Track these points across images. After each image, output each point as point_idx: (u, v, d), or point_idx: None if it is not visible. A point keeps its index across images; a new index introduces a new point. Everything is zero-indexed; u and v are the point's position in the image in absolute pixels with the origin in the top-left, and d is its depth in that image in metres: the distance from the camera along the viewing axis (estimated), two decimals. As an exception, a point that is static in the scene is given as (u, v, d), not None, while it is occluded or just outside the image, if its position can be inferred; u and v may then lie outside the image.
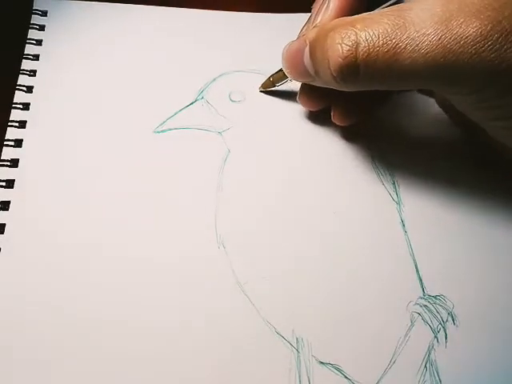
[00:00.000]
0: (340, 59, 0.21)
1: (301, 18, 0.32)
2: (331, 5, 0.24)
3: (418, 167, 0.28)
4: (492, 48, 0.19)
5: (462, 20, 0.19)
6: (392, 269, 0.25)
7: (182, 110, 0.29)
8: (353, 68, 0.21)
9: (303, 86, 0.27)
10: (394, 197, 0.27)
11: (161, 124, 0.28)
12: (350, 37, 0.21)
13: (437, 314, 0.24)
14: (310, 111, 0.29)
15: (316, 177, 0.27)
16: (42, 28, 0.30)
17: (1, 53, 0.29)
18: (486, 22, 0.19)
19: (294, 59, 0.25)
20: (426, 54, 0.19)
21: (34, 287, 0.23)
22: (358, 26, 0.21)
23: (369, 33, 0.20)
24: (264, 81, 0.29)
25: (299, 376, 0.22)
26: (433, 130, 0.29)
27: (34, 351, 0.22)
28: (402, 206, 0.27)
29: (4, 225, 0.24)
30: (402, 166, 0.28)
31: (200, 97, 0.29)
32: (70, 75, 0.29)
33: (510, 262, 0.26)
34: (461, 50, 0.19)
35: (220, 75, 0.30)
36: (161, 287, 0.24)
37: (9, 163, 0.26)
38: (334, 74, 0.21)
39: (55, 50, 0.29)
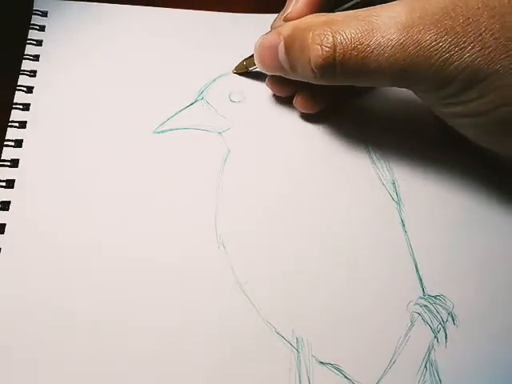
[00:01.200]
0: (320, 59, 0.23)
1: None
2: None
3: (418, 168, 0.28)
4: (445, 50, 0.21)
5: (421, 27, 0.21)
6: (392, 269, 0.25)
7: (182, 111, 0.29)
8: (331, 67, 0.23)
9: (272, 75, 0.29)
10: (394, 197, 0.27)
11: (161, 124, 0.28)
12: (328, 39, 0.23)
13: (437, 314, 0.24)
14: (308, 113, 0.29)
15: (316, 177, 0.27)
16: (42, 28, 0.30)
17: (1, 53, 0.29)
18: (441, 29, 0.21)
19: (267, 54, 0.26)
20: (390, 57, 0.22)
21: (34, 287, 0.23)
22: (334, 28, 0.23)
23: (343, 36, 0.22)
24: (238, 64, 0.30)
25: (299, 376, 0.22)
26: (433, 129, 0.29)
27: (34, 351, 0.22)
28: (402, 206, 0.27)
29: (4, 225, 0.24)
30: (402, 166, 0.28)
31: (200, 97, 0.29)
32: (70, 76, 0.29)
33: (510, 262, 0.26)
34: (418, 53, 0.21)
35: (220, 76, 0.30)
36: (161, 287, 0.24)
37: (9, 163, 0.26)
38: (315, 71, 0.24)
39: (55, 50, 0.29)
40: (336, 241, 0.26)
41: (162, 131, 0.28)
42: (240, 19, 0.32)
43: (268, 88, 0.29)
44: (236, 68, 0.30)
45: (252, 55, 0.28)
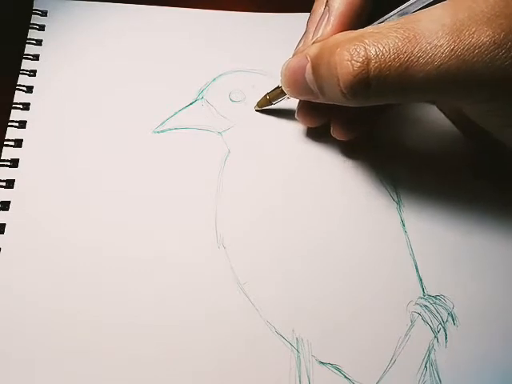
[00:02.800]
0: (351, 76, 0.20)
1: (300, 17, 0.32)
2: (332, 19, 0.23)
3: (417, 167, 0.28)
4: (507, 55, 0.18)
5: (473, 29, 0.19)
6: (392, 269, 0.25)
7: (182, 110, 0.29)
8: (364, 85, 0.20)
9: (301, 102, 0.27)
10: (394, 197, 0.27)
11: (161, 124, 0.28)
12: (359, 53, 0.20)
13: (437, 314, 0.24)
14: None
15: (315, 177, 0.27)
16: (42, 28, 0.30)
17: (1, 52, 0.29)
18: (498, 30, 0.18)
19: (294, 76, 0.24)
20: (440, 65, 0.19)
21: (34, 287, 0.23)
22: (367, 41, 0.20)
23: (379, 48, 0.20)
24: (260, 99, 0.28)
25: (299, 376, 0.22)
26: (431, 132, 0.29)
27: (33, 351, 0.22)
28: (401, 206, 0.27)
29: (4, 225, 0.24)
30: (401, 166, 0.28)
31: (200, 97, 0.29)
32: (69, 75, 0.29)
33: (510, 261, 0.26)
34: (475, 59, 0.19)
35: (220, 75, 0.30)
36: (161, 287, 0.24)
37: (9, 163, 0.26)
38: (345, 91, 0.21)
39: (55, 50, 0.29)
40: (336, 240, 0.26)
41: (162, 131, 0.28)
42: (240, 18, 0.32)
43: (270, 88, 0.28)
44: (258, 104, 0.28)
45: (275, 88, 0.27)
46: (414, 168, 0.28)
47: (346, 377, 0.23)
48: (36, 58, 0.29)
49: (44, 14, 0.31)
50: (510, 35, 0.18)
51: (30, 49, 0.29)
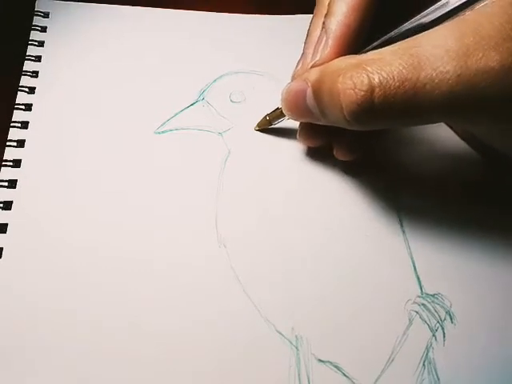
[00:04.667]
0: (355, 105, 0.20)
1: (301, 20, 0.32)
2: (330, 42, 0.23)
3: (417, 167, 0.28)
4: None
5: (480, 55, 0.18)
6: (390, 268, 0.25)
7: (183, 111, 0.29)
8: (369, 112, 0.20)
9: (302, 124, 0.27)
10: (394, 197, 0.27)
11: (162, 125, 0.28)
12: (363, 81, 0.19)
13: (435, 313, 0.24)
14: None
15: (316, 177, 0.27)
16: (43, 29, 0.30)
17: (3, 54, 0.29)
18: (505, 55, 0.18)
19: (295, 101, 0.24)
20: (447, 92, 0.18)
21: (36, 287, 0.23)
22: (369, 69, 0.20)
23: (383, 75, 0.19)
24: (260, 120, 0.28)
25: (298, 374, 0.23)
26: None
27: (34, 351, 0.22)
28: (400, 206, 0.27)
29: (6, 224, 0.24)
30: (401, 167, 0.28)
31: (201, 97, 0.29)
32: (71, 76, 0.29)
33: (508, 260, 0.26)
34: (483, 84, 0.18)
35: (221, 76, 0.30)
36: (161, 287, 0.24)
37: (11, 163, 0.26)
38: (349, 119, 0.20)
39: (57, 51, 0.30)
40: (335, 240, 0.26)
41: (163, 131, 0.28)
42: (240, 20, 0.33)
43: (270, 89, 0.28)
44: (258, 124, 0.28)
45: (275, 109, 0.27)
46: (413, 168, 0.28)
47: (344, 375, 0.23)
48: (38, 59, 0.29)
49: (46, 15, 0.31)
50: None
51: (32, 50, 0.29)
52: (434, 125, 0.28)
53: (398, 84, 0.19)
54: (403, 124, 0.22)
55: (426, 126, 0.28)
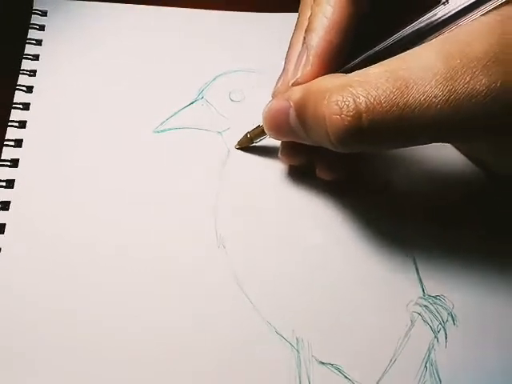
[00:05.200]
0: (342, 130, 0.19)
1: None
2: (311, 58, 0.22)
3: (416, 167, 0.28)
4: (504, 103, 0.18)
5: (468, 78, 0.18)
6: (392, 269, 0.25)
7: (182, 110, 0.29)
8: (356, 138, 0.19)
9: (284, 142, 0.26)
10: (394, 196, 0.27)
11: (161, 124, 0.28)
12: (349, 106, 0.19)
13: (437, 314, 0.24)
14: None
15: (315, 176, 0.27)
16: (42, 28, 0.30)
17: (1, 52, 0.29)
18: (493, 79, 0.17)
19: (276, 120, 0.23)
20: (436, 116, 0.18)
21: (34, 287, 0.23)
22: (355, 92, 0.19)
23: (369, 100, 0.19)
24: (241, 138, 0.27)
25: (299, 376, 0.22)
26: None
27: (33, 351, 0.22)
28: (400, 204, 0.27)
29: (4, 225, 0.24)
30: (401, 167, 0.28)
31: (200, 96, 0.29)
32: (70, 75, 0.29)
33: (510, 262, 0.26)
34: (472, 108, 0.18)
35: (220, 75, 0.30)
36: (161, 287, 0.24)
37: (9, 163, 0.26)
38: (335, 143, 0.20)
39: (55, 49, 0.29)
40: (336, 241, 0.26)
41: (162, 130, 0.28)
42: (241, 18, 0.32)
43: (270, 88, 0.28)
44: (239, 142, 0.27)
45: (257, 127, 0.26)
46: (413, 168, 0.28)
47: (346, 377, 0.23)
48: (36, 57, 0.29)
49: (44, 13, 0.31)
50: (506, 81, 0.17)
51: (30, 49, 0.29)
52: None
53: (386, 109, 0.18)
54: (391, 147, 0.22)
55: None
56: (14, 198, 0.25)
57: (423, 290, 0.25)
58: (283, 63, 0.25)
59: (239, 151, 0.28)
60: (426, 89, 0.18)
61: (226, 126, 0.28)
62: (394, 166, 0.28)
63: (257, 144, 0.27)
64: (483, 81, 0.17)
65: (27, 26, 0.30)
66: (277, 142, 0.27)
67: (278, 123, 0.23)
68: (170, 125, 0.28)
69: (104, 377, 0.22)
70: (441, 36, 0.19)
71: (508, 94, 0.17)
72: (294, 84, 0.23)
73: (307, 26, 0.23)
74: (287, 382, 0.22)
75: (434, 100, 0.18)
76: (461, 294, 0.25)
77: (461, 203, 0.27)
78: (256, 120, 0.28)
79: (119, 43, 0.30)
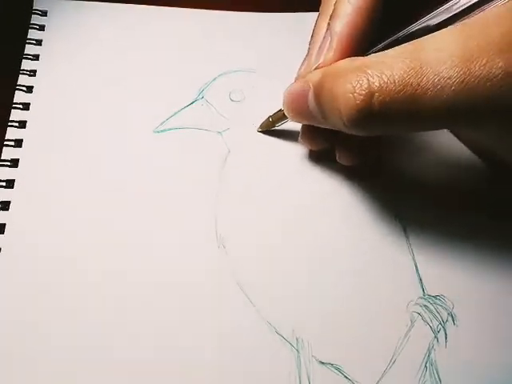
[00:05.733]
0: (353, 110, 0.19)
1: (301, 17, 0.32)
2: (334, 43, 0.22)
3: (417, 167, 0.28)
4: None
5: (484, 61, 0.17)
6: (392, 269, 0.25)
7: (182, 110, 0.29)
8: (368, 118, 0.19)
9: (305, 126, 0.26)
10: (395, 196, 0.27)
11: (161, 124, 0.28)
12: (362, 85, 0.19)
13: (437, 314, 0.24)
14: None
15: (316, 176, 0.27)
16: (41, 28, 0.30)
17: (1, 52, 0.29)
18: (510, 62, 0.17)
19: (296, 103, 0.24)
20: (450, 98, 0.18)
21: (34, 287, 0.23)
22: (370, 72, 0.19)
23: (383, 79, 0.18)
24: (263, 121, 0.28)
25: (299, 376, 0.22)
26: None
27: (34, 351, 0.22)
28: (401, 206, 0.27)
29: (4, 225, 0.24)
30: (401, 167, 0.28)
31: (200, 96, 0.29)
32: (69, 75, 0.29)
33: (510, 261, 0.26)
34: (486, 92, 0.17)
35: (220, 75, 0.30)
36: (160, 287, 0.24)
37: (9, 163, 0.26)
38: (347, 124, 0.20)
39: (55, 49, 0.29)
40: (336, 241, 0.26)
41: (162, 130, 0.28)
42: (241, 18, 0.32)
43: (270, 88, 0.28)
44: (261, 126, 0.28)
45: (278, 110, 0.27)
46: (413, 168, 0.28)
47: (346, 377, 0.23)
48: (36, 57, 0.29)
49: (44, 13, 0.31)
50: None
51: (29, 49, 0.29)
52: (439, 131, 0.28)
53: (398, 89, 0.18)
54: (404, 130, 0.22)
55: (430, 132, 0.28)
56: (13, 198, 0.25)
57: (423, 290, 0.25)
58: (307, 48, 0.25)
59: (239, 151, 0.27)
60: (441, 69, 0.18)
61: (226, 126, 0.28)
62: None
63: (278, 128, 0.28)
64: (499, 64, 0.17)
65: (27, 26, 0.30)
66: (295, 127, 0.27)
67: (297, 105, 0.24)
68: (170, 125, 0.28)
69: (104, 377, 0.22)
70: (460, 21, 0.19)
71: None
72: (316, 68, 0.23)
73: (332, 12, 0.23)
74: (287, 382, 0.22)
75: (448, 82, 0.18)
76: (461, 294, 0.25)
77: (461, 194, 0.27)
78: (256, 120, 0.28)
79: (119, 43, 0.30)
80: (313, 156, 0.28)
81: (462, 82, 0.17)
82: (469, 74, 0.17)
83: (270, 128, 0.28)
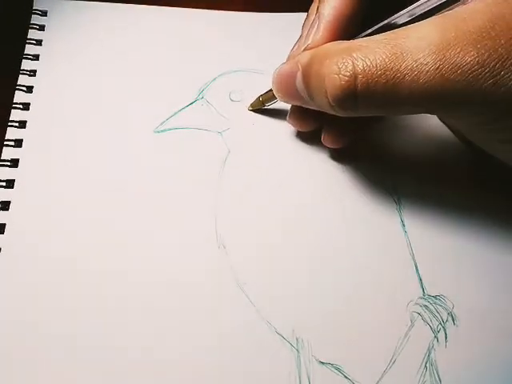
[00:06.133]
0: (338, 91, 0.20)
1: (301, 17, 0.32)
2: (322, 26, 0.24)
3: (417, 168, 0.28)
4: (489, 75, 0.19)
5: (459, 49, 0.19)
6: (392, 269, 0.25)
7: (182, 110, 0.29)
8: (351, 98, 0.20)
9: (293, 106, 0.27)
10: (394, 198, 0.27)
11: (161, 124, 0.28)
12: (347, 67, 0.20)
13: (437, 314, 0.24)
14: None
15: (315, 175, 0.27)
16: (41, 28, 0.30)
17: (1, 53, 0.29)
18: (482, 51, 0.19)
19: (285, 83, 0.25)
20: (425, 83, 0.19)
21: (34, 287, 0.23)
22: (355, 55, 0.20)
23: (366, 63, 0.20)
24: (253, 100, 0.29)
25: (299, 376, 0.22)
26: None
27: (33, 351, 0.22)
28: (401, 206, 0.27)
29: (4, 225, 0.24)
30: (401, 167, 0.28)
31: (200, 96, 0.29)
32: (70, 75, 0.29)
33: (510, 261, 0.26)
34: (458, 78, 0.19)
35: (220, 75, 0.30)
36: (160, 287, 0.24)
37: (9, 163, 0.26)
38: (332, 104, 0.21)
39: (55, 49, 0.29)
40: (336, 240, 0.26)
41: (162, 130, 0.28)
42: (240, 18, 0.32)
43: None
44: (252, 105, 0.29)
45: (268, 90, 0.27)
46: (413, 170, 0.28)
47: (346, 377, 0.23)
48: (36, 57, 0.29)
49: (44, 13, 0.31)
50: (494, 56, 0.18)
51: (29, 49, 0.29)
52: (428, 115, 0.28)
53: (379, 73, 0.20)
54: (385, 113, 0.23)
55: (419, 115, 0.29)
56: (13, 198, 0.25)
57: (423, 290, 0.25)
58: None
59: (239, 151, 0.27)
60: (419, 56, 0.19)
61: (226, 126, 0.28)
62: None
63: (268, 107, 0.28)
64: (472, 52, 0.19)
65: (27, 26, 0.30)
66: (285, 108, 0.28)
67: (286, 86, 0.25)
68: (170, 125, 0.28)
69: (104, 377, 0.22)
70: (442, 13, 0.20)
71: (493, 67, 0.18)
72: (305, 50, 0.24)
73: None
74: (287, 381, 0.22)
75: (424, 68, 0.19)
76: (461, 294, 0.25)
77: (462, 193, 0.28)
78: (256, 120, 0.28)
79: (119, 43, 0.30)
80: (312, 154, 0.28)
81: (437, 68, 0.19)
82: (444, 61, 0.19)
83: (259, 107, 0.29)
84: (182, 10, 0.32)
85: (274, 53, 0.30)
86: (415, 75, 0.19)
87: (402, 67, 0.19)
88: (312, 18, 0.25)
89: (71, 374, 0.21)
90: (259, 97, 0.28)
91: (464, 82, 0.19)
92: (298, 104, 0.25)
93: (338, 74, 0.20)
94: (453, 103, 0.20)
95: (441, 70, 0.19)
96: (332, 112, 0.22)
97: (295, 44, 0.26)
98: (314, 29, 0.24)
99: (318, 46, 0.23)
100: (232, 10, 0.33)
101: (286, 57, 0.27)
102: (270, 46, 0.31)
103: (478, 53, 0.19)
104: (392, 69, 0.19)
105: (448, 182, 0.28)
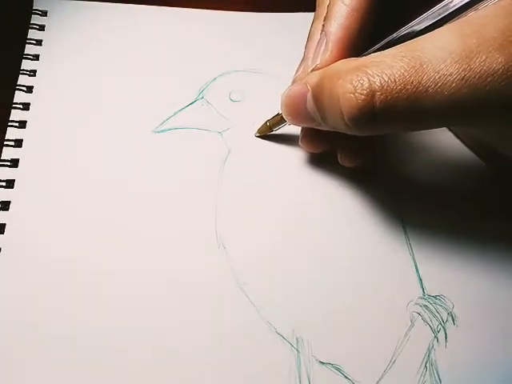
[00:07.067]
0: (355, 110, 0.19)
1: (301, 17, 0.32)
2: (330, 44, 0.23)
3: (418, 167, 0.28)
4: None
5: (484, 57, 0.17)
6: (392, 269, 0.25)
7: (182, 110, 0.29)
8: (370, 118, 0.19)
9: (305, 129, 0.26)
10: (395, 197, 0.27)
11: (161, 124, 0.28)
12: (363, 85, 0.19)
13: (437, 314, 0.24)
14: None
15: (315, 176, 0.27)
16: (41, 28, 0.30)
17: (1, 53, 0.29)
18: (510, 57, 0.17)
19: (294, 105, 0.24)
20: (451, 95, 0.18)
21: (34, 287, 0.23)
22: (370, 72, 0.19)
23: (384, 78, 0.19)
24: (260, 126, 0.28)
25: (299, 376, 0.22)
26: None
27: (33, 351, 0.22)
28: (402, 206, 0.27)
29: (4, 225, 0.24)
30: (401, 167, 0.28)
31: (200, 96, 0.29)
32: (69, 75, 0.29)
33: (510, 261, 0.26)
34: (488, 88, 0.17)
35: (220, 75, 0.30)
36: (160, 287, 0.24)
37: (9, 163, 0.26)
38: (349, 124, 0.20)
39: (55, 49, 0.29)
40: (336, 241, 0.26)
41: (162, 130, 0.28)
42: (240, 18, 0.32)
43: (270, 88, 0.28)
44: (259, 131, 0.28)
45: (276, 115, 0.27)
46: (413, 168, 0.28)
47: (346, 377, 0.23)
48: (36, 57, 0.29)
49: (44, 13, 0.31)
50: None
51: (29, 49, 0.29)
52: (438, 131, 0.28)
53: (399, 88, 0.18)
54: (406, 129, 0.22)
55: (430, 132, 0.28)
56: (13, 198, 0.25)
57: (423, 290, 0.25)
58: (303, 52, 0.25)
59: (239, 151, 0.28)
60: (441, 67, 0.18)
61: (226, 126, 0.28)
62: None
63: (276, 132, 0.28)
64: (499, 59, 0.17)
65: (27, 26, 0.30)
66: (294, 131, 0.27)
67: (296, 108, 0.24)
68: (170, 125, 0.28)
69: (104, 377, 0.21)
70: (457, 20, 0.19)
71: None
72: (313, 70, 0.23)
73: (326, 14, 0.23)
74: (287, 381, 0.22)
75: (449, 78, 0.18)
76: (461, 294, 0.25)
77: (462, 194, 0.27)
78: (256, 120, 0.28)
79: (119, 43, 0.30)
80: (312, 155, 0.28)
81: (463, 78, 0.18)
82: (469, 71, 0.17)
83: (267, 133, 0.28)
84: (182, 9, 0.32)
85: (273, 53, 0.30)
86: (439, 87, 0.18)
87: (424, 80, 0.18)
88: (316, 37, 0.24)
89: (71, 373, 0.21)
90: (266, 122, 0.27)
91: (495, 92, 0.18)
92: (309, 126, 0.24)
93: (353, 93, 0.19)
94: (483, 113, 0.19)
95: (467, 81, 0.18)
96: (348, 132, 0.21)
97: (299, 66, 0.25)
98: (322, 48, 0.23)
99: (327, 65, 0.22)
100: (232, 10, 0.33)
101: (285, 59, 0.26)
102: (269, 45, 0.31)
103: (506, 59, 0.17)
104: (412, 82, 0.18)
105: (448, 184, 0.28)
